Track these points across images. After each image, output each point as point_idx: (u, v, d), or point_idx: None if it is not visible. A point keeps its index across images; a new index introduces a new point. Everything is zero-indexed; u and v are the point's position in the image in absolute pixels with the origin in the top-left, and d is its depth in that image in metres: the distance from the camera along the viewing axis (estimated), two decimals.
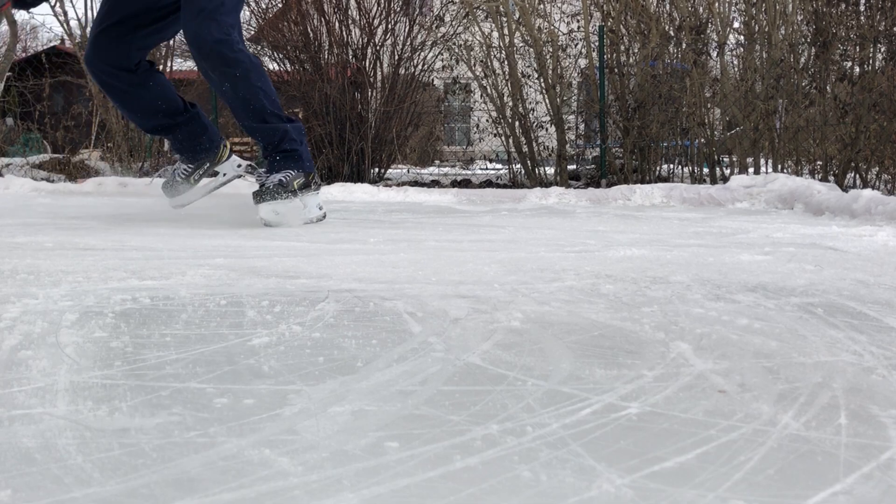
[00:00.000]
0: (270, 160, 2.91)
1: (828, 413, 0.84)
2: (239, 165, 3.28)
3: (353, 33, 7.09)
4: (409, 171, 8.10)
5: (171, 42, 8.04)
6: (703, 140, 6.54)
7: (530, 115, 7.03)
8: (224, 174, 3.30)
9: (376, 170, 7.25)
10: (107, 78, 2.96)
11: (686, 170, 6.70)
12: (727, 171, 6.38)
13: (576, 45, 7.05)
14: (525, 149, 6.92)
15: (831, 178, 5.51)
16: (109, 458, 0.70)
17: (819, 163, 5.70)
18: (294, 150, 2.91)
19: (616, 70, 6.66)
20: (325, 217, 3.01)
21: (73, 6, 33.90)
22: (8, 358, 1.01)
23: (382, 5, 7.06)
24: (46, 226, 2.86)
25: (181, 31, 3.06)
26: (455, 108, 8.90)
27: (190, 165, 3.17)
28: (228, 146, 3.28)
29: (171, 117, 3.07)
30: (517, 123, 6.96)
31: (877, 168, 5.50)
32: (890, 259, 1.99)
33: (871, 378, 0.96)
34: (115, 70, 2.92)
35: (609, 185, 5.48)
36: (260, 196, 2.79)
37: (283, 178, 2.82)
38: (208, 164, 3.20)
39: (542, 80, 6.91)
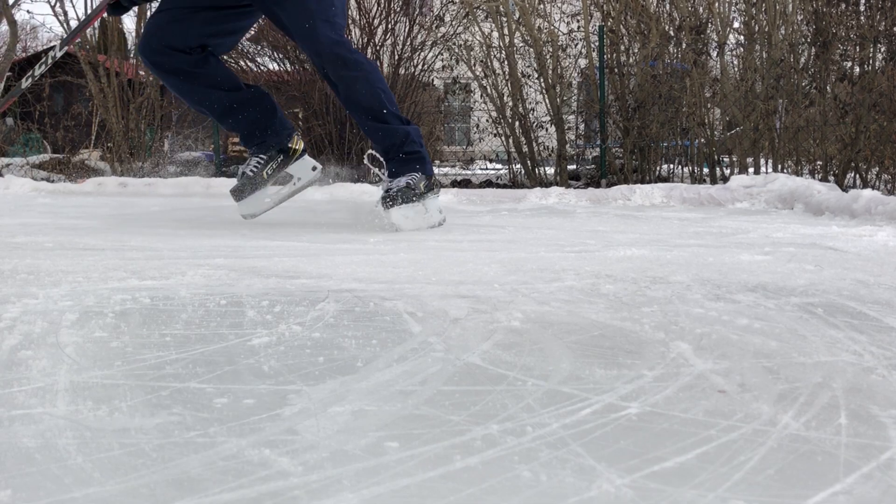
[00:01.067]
0: (394, 163, 2.81)
1: (828, 413, 0.84)
2: (314, 168, 3.03)
3: (353, 33, 7.09)
4: None
5: None
6: (703, 140, 6.54)
7: (530, 115, 7.03)
8: (298, 179, 3.02)
9: (376, 170, 7.24)
10: (160, 58, 2.78)
11: (686, 170, 6.70)
12: (727, 171, 6.38)
13: (576, 45, 7.05)
14: (525, 149, 6.92)
15: (831, 178, 5.51)
16: (109, 458, 0.70)
17: (819, 163, 5.70)
18: (417, 152, 2.82)
19: (616, 70, 6.66)
20: (444, 222, 2.87)
21: (73, 6, 33.92)
22: (8, 358, 1.01)
23: (382, 5, 7.06)
24: (46, 226, 2.86)
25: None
26: (455, 108, 8.90)
27: (261, 157, 2.92)
28: (301, 143, 3.04)
29: (234, 93, 2.88)
30: (517, 123, 6.97)
31: (877, 168, 5.50)
32: (890, 259, 1.99)
33: (871, 378, 0.96)
34: (169, 50, 2.77)
35: (609, 185, 5.48)
36: (390, 201, 2.68)
37: (409, 182, 2.73)
38: (281, 157, 2.94)
39: (542, 80, 6.91)
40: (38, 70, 3.22)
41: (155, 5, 3.13)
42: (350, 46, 2.80)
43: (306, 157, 3.02)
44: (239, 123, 2.92)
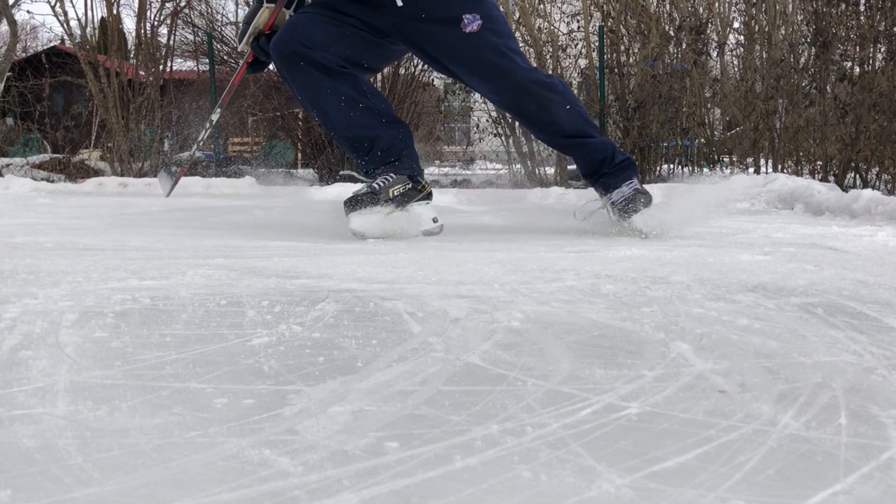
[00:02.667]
0: (610, 176, 2.67)
1: (828, 413, 0.84)
2: (435, 220, 2.60)
3: None
4: None
5: (171, 42, 8.05)
6: (703, 140, 6.54)
7: None
8: (419, 222, 2.58)
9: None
10: (294, 56, 2.52)
11: (686, 170, 6.70)
12: (727, 171, 6.38)
13: (576, 45, 7.05)
14: (525, 149, 6.92)
15: (831, 178, 5.51)
16: (109, 458, 0.70)
17: (819, 163, 5.70)
18: (627, 159, 2.72)
19: (616, 70, 6.66)
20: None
21: (73, 6, 33.90)
22: (8, 358, 1.01)
23: None
24: (46, 226, 2.86)
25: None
26: (455, 108, 8.90)
27: (390, 176, 2.55)
28: (431, 189, 2.68)
29: (374, 117, 2.56)
30: (517, 123, 6.96)
31: (877, 168, 5.50)
32: (890, 259, 1.99)
33: (871, 378, 0.96)
34: (305, 49, 2.51)
35: None
36: (632, 209, 2.57)
37: (637, 188, 2.64)
38: (410, 185, 2.57)
39: None
40: (202, 135, 3.33)
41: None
42: (536, 67, 2.69)
43: (431, 203, 2.66)
44: (372, 139, 2.58)
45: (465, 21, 2.51)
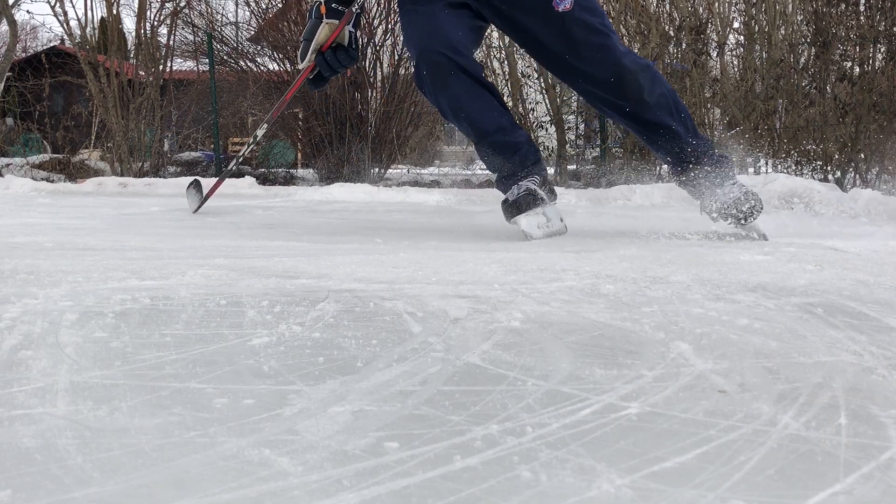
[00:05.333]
0: (718, 169, 2.57)
1: (828, 413, 0.84)
2: (562, 219, 2.61)
3: None
4: (409, 171, 8.10)
5: (171, 42, 8.05)
6: None
7: (530, 115, 7.03)
8: (551, 222, 2.55)
9: (376, 170, 7.25)
10: (448, 64, 2.46)
11: None
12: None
13: None
14: None
15: (831, 178, 5.51)
16: (109, 458, 0.70)
17: (819, 163, 5.70)
18: (724, 154, 2.63)
19: None
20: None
21: (73, 6, 33.89)
22: (8, 358, 1.01)
23: (382, 5, 7.06)
24: (46, 226, 2.86)
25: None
26: None
27: (536, 178, 2.56)
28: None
29: (511, 120, 2.58)
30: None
31: (877, 168, 5.50)
32: (890, 259, 1.99)
33: (871, 378, 0.96)
34: (454, 55, 2.47)
35: (609, 185, 5.48)
36: (741, 213, 2.49)
37: (742, 185, 2.54)
38: (547, 188, 2.58)
39: (542, 80, 6.91)
40: (244, 150, 3.35)
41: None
42: (628, 49, 2.55)
43: (557, 204, 2.68)
44: (517, 143, 2.56)
45: (556, 1, 2.45)
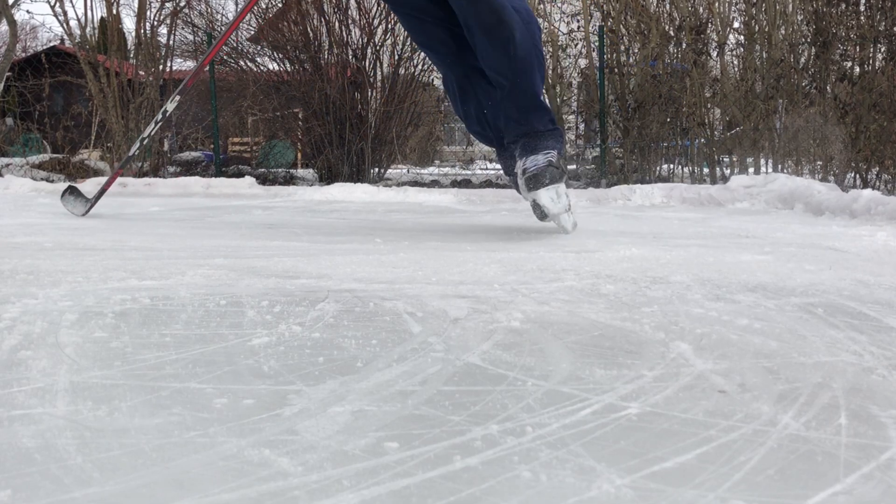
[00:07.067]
0: (535, 138, 2.51)
1: (828, 413, 0.84)
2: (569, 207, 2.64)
3: (353, 33, 7.09)
4: (409, 171, 8.11)
5: (171, 42, 8.05)
6: (703, 140, 6.54)
7: None
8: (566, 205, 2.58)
9: (376, 170, 7.25)
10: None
11: (686, 170, 6.70)
12: (727, 171, 6.38)
13: (576, 45, 7.05)
14: None
15: (831, 178, 5.51)
16: (109, 458, 0.70)
17: (819, 163, 5.70)
18: (558, 129, 2.58)
19: (616, 70, 6.66)
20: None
21: (73, 6, 33.90)
22: (8, 358, 1.01)
23: (382, 5, 7.06)
24: (46, 226, 2.86)
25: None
26: None
27: (552, 150, 2.52)
28: None
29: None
30: None
31: (877, 168, 5.50)
32: (890, 259, 1.99)
33: (871, 378, 0.96)
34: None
35: (609, 185, 5.48)
36: (539, 183, 2.44)
37: (551, 159, 2.48)
38: (563, 163, 2.56)
39: None
40: (153, 128, 3.12)
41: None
42: None
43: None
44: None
45: None
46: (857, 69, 5.72)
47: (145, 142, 3.29)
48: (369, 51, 7.09)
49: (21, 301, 1.33)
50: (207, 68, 8.15)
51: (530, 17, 2.50)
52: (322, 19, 7.03)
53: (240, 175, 6.28)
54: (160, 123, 3.26)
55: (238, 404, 0.85)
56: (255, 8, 7.89)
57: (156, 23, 7.83)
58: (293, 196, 5.14)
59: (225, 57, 8.29)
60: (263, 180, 6.98)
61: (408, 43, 7.07)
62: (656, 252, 2.09)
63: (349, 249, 2.16)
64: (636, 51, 6.69)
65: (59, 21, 7.68)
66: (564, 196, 2.52)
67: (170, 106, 3.21)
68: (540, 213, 2.67)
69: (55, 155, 8.23)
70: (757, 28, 6.38)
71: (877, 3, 5.56)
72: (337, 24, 7.03)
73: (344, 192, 4.98)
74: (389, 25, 7.09)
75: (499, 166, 7.83)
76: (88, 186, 3.48)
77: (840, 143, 5.37)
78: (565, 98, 7.08)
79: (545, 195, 2.48)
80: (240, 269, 1.73)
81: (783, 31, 6.21)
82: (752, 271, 1.77)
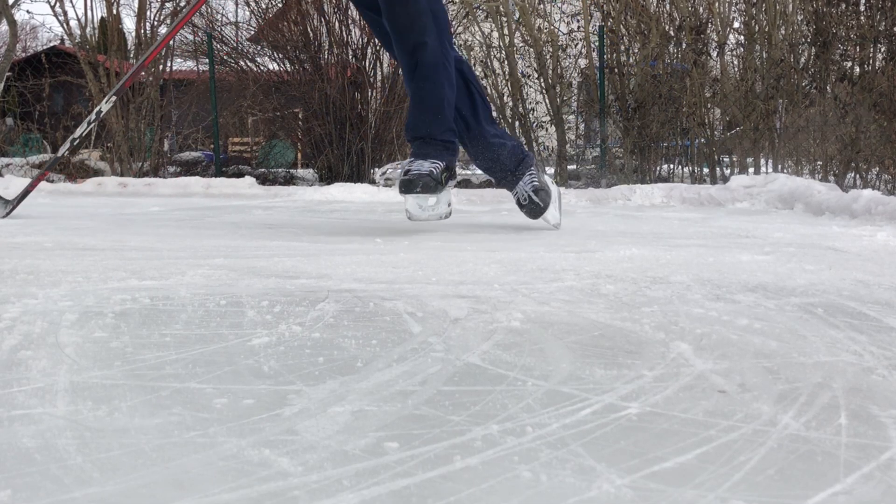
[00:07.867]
0: (429, 145, 2.61)
1: (828, 413, 0.84)
2: (450, 204, 2.80)
3: (353, 33, 7.09)
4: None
5: (172, 42, 8.05)
6: (703, 140, 6.54)
7: (530, 115, 7.03)
8: (447, 204, 2.74)
9: (376, 170, 7.26)
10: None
11: (686, 170, 6.70)
12: (727, 171, 6.39)
13: (576, 45, 7.05)
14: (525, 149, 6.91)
15: (831, 178, 5.51)
16: (109, 458, 0.70)
17: (819, 163, 5.70)
18: (454, 142, 2.69)
19: (616, 70, 6.65)
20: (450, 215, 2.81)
21: (73, 6, 33.90)
22: (8, 358, 1.01)
23: None
24: (46, 226, 2.86)
25: None
26: None
27: (438, 162, 2.61)
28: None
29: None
30: (517, 123, 6.96)
31: (877, 168, 5.50)
32: (890, 259, 1.99)
33: (871, 378, 0.96)
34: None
35: (609, 185, 5.48)
36: (408, 185, 2.53)
37: (433, 170, 2.58)
38: (447, 175, 2.65)
39: (542, 80, 6.91)
40: (84, 128, 3.12)
41: None
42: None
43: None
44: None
45: None
46: (857, 69, 5.72)
47: (75, 142, 3.27)
48: (369, 51, 7.09)
49: (21, 301, 1.33)
50: (207, 68, 8.14)
51: (450, 42, 2.66)
52: (322, 19, 7.03)
53: (240, 175, 6.28)
54: (93, 124, 3.24)
55: (238, 404, 0.85)
56: (255, 8, 7.89)
57: (156, 23, 7.84)
58: (293, 196, 5.15)
59: (225, 57, 8.29)
60: (263, 180, 6.98)
61: None
62: (656, 252, 2.09)
63: (349, 249, 2.16)
64: (636, 51, 6.69)
65: (59, 21, 7.69)
66: (444, 204, 2.70)
67: (104, 106, 3.19)
68: (528, 211, 2.83)
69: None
70: (757, 28, 6.38)
71: (877, 3, 5.56)
72: (337, 23, 7.03)
73: (344, 192, 4.99)
74: None
75: None
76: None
77: (840, 143, 5.37)
78: (565, 98, 7.07)
79: (412, 201, 2.67)
80: (240, 269, 1.73)
81: (783, 31, 6.20)
82: (752, 271, 1.77)
